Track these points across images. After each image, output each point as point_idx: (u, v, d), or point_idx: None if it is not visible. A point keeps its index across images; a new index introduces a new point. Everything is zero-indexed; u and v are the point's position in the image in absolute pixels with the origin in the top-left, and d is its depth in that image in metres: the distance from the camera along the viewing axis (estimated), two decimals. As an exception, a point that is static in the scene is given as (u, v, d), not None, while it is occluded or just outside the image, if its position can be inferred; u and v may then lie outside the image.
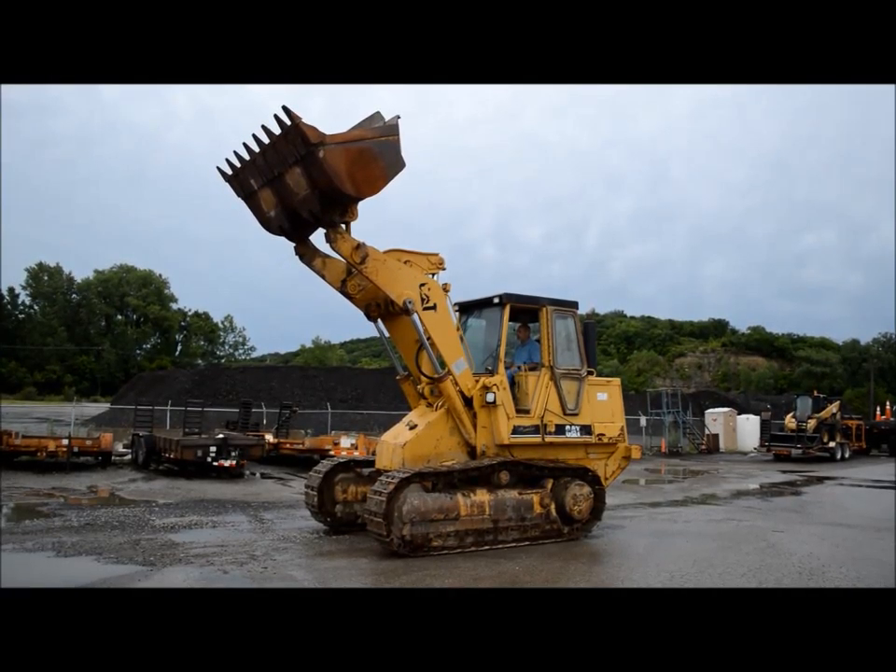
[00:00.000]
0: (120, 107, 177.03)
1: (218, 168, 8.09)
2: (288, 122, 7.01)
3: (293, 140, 7.12)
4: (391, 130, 7.56)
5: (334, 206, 7.62)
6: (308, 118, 7.03)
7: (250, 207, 8.19)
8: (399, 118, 7.64)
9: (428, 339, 8.60)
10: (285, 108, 6.95)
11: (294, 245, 8.30)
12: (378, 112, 7.85)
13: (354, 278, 8.49)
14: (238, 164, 7.98)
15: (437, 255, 9.07)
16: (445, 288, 8.90)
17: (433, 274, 8.94)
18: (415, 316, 8.45)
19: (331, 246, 7.84)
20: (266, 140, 7.45)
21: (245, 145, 7.71)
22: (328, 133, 7.13)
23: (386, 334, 9.46)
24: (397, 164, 7.65)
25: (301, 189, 7.47)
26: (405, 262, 8.56)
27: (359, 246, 7.88)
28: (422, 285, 8.49)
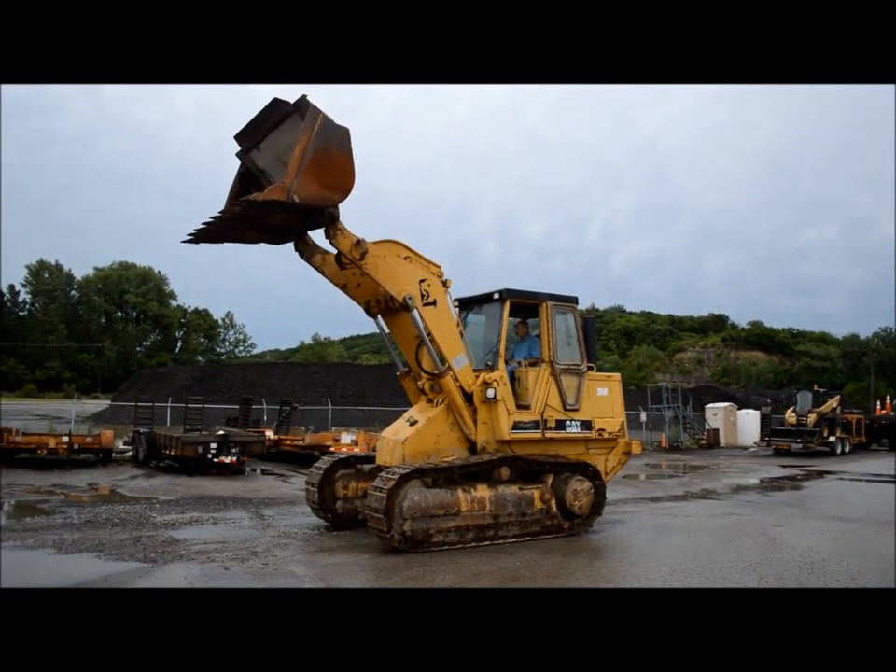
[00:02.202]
0: (123, 106, 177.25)
1: (185, 241, 8.00)
2: (253, 200, 6.95)
3: (263, 206, 7.04)
4: (312, 115, 7.04)
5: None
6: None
7: (236, 241, 8.20)
8: (305, 96, 7.12)
9: (428, 335, 8.59)
10: (245, 200, 6.94)
11: (293, 242, 8.30)
12: (275, 98, 7.35)
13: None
14: (204, 226, 7.76)
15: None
16: (446, 285, 8.86)
17: None
18: (415, 313, 8.43)
19: (331, 243, 7.80)
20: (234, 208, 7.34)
21: (211, 219, 7.55)
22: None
23: (387, 330, 9.44)
24: (343, 137, 7.25)
25: (292, 221, 7.59)
26: (405, 258, 8.52)
27: (359, 242, 7.84)
28: (422, 281, 8.46)
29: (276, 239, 8.28)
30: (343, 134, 7.21)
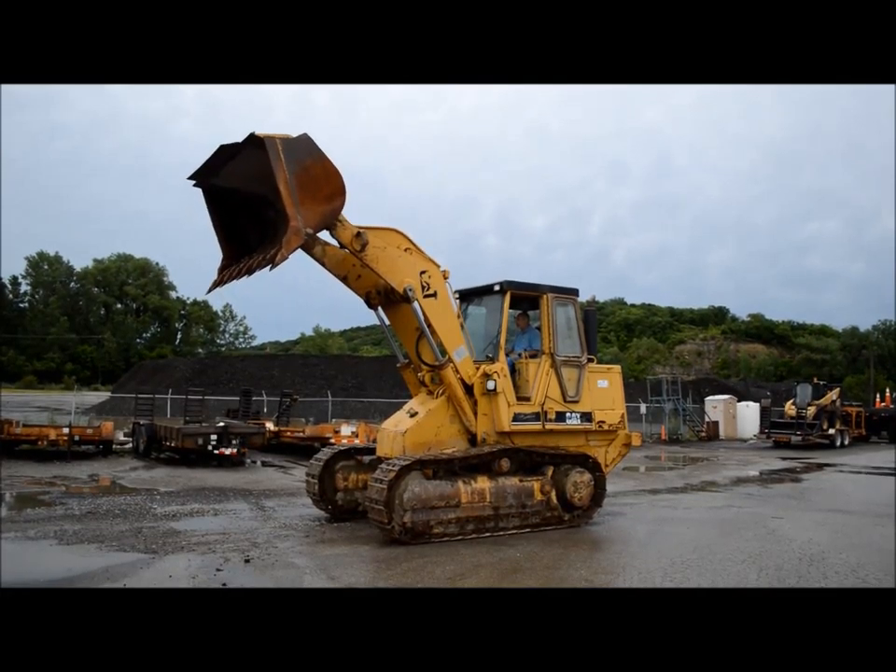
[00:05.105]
0: (126, 99, 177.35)
1: (210, 290, 8.29)
2: (279, 261, 7.03)
3: (291, 253, 7.17)
4: (271, 145, 6.77)
5: None
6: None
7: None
8: (252, 133, 6.91)
9: (429, 326, 8.57)
10: (269, 263, 7.05)
11: None
12: (221, 145, 7.21)
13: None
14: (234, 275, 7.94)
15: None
16: (444, 275, 8.82)
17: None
18: (416, 304, 8.41)
19: (331, 234, 7.80)
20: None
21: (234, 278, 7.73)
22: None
23: (387, 322, 9.40)
24: (307, 145, 7.04)
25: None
26: (405, 250, 8.46)
27: (359, 234, 7.81)
28: (422, 272, 8.43)
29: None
30: (306, 143, 7.07)
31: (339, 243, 7.91)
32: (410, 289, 8.22)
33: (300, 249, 8.25)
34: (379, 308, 9.15)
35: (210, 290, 8.29)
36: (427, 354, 8.88)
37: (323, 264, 8.32)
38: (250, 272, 7.58)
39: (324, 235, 8.00)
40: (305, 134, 7.07)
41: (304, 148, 7.03)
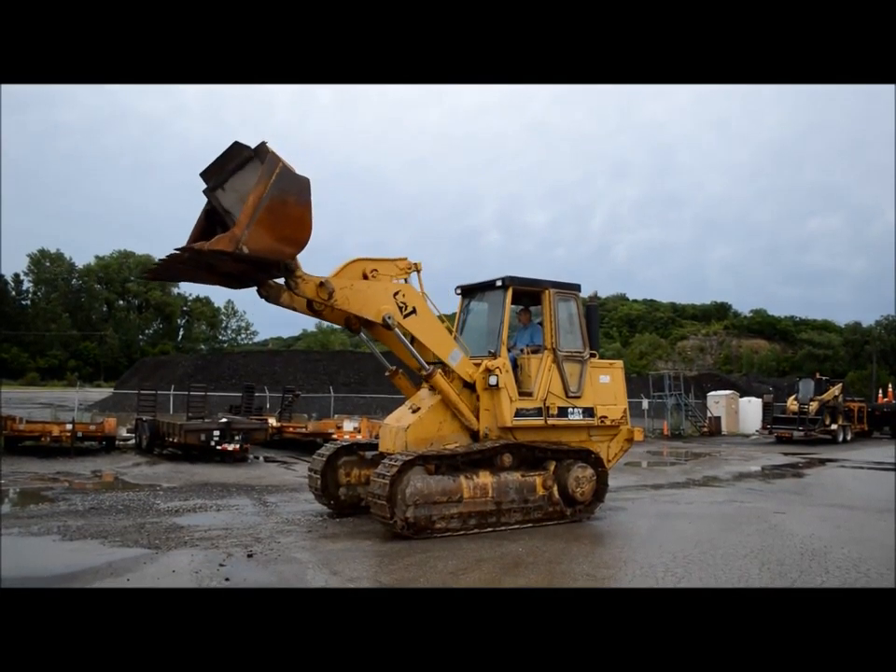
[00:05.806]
0: (127, 97, 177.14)
1: (140, 278, 7.94)
2: (198, 249, 6.66)
3: (211, 254, 6.71)
4: (271, 163, 6.66)
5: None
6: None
7: (192, 282, 8.03)
8: (265, 143, 6.75)
9: (417, 342, 8.52)
10: (189, 249, 6.72)
11: (255, 288, 7.90)
12: (236, 142, 6.91)
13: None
14: (157, 266, 7.51)
15: (405, 259, 8.64)
16: (416, 268, 8.68)
17: (404, 279, 8.67)
18: (398, 330, 8.26)
19: (295, 293, 7.59)
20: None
21: (160, 261, 7.31)
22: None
23: (373, 340, 9.32)
24: (302, 187, 6.92)
25: (246, 271, 7.31)
26: (371, 272, 8.29)
27: (323, 284, 7.62)
28: (396, 293, 8.32)
29: (234, 284, 7.96)
30: (302, 184, 6.89)
31: (304, 297, 7.68)
32: (389, 317, 8.13)
33: (266, 302, 7.79)
34: (362, 330, 8.98)
35: (138, 276, 8.13)
36: (427, 353, 8.83)
37: (294, 309, 8.01)
38: (171, 262, 7.23)
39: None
40: (307, 178, 6.93)
41: (297, 186, 6.85)
